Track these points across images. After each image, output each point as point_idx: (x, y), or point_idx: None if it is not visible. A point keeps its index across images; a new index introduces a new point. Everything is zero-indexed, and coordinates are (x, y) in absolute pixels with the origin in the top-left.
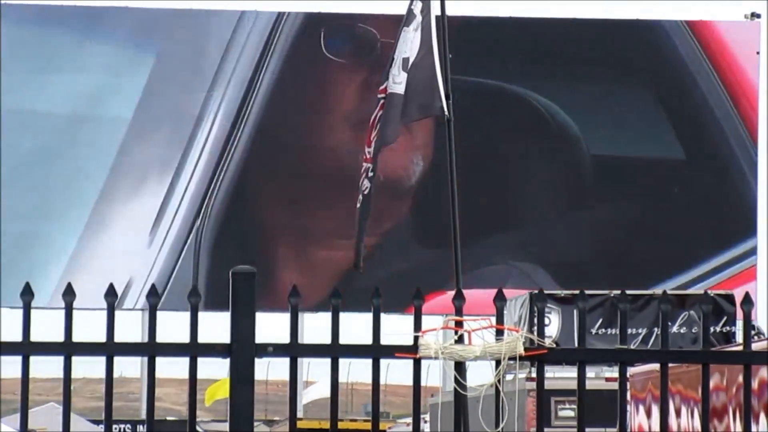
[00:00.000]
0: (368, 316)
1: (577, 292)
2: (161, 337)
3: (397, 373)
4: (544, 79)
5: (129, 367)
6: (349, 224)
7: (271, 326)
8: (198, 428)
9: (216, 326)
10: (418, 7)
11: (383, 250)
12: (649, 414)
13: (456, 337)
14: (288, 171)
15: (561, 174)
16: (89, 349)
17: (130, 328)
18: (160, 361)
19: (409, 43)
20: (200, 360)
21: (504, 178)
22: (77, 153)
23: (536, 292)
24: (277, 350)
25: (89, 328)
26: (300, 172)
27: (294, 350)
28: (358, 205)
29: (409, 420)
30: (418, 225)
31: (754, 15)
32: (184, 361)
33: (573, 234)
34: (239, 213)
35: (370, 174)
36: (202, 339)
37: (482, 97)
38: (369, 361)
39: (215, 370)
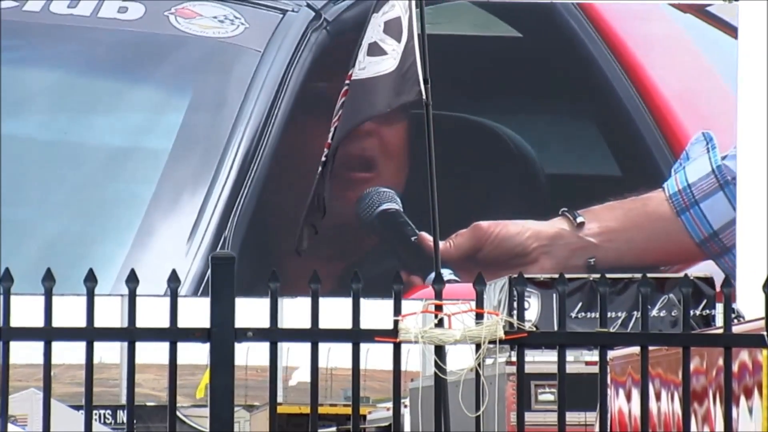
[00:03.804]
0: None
1: (556, 276)
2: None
3: (376, 357)
4: (506, 112)
5: (108, 353)
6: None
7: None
8: (178, 414)
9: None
10: None
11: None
12: (629, 398)
13: (436, 321)
14: (300, 189)
15: (522, 189)
16: (69, 334)
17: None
18: (140, 347)
19: (377, 28)
20: (184, 346)
21: (476, 194)
22: (125, 179)
23: (515, 276)
24: (257, 335)
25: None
26: (310, 190)
27: (273, 335)
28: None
29: (389, 405)
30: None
31: None
32: (163, 347)
33: None
34: (260, 225)
35: (323, 159)
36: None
37: (459, 128)
38: (349, 346)
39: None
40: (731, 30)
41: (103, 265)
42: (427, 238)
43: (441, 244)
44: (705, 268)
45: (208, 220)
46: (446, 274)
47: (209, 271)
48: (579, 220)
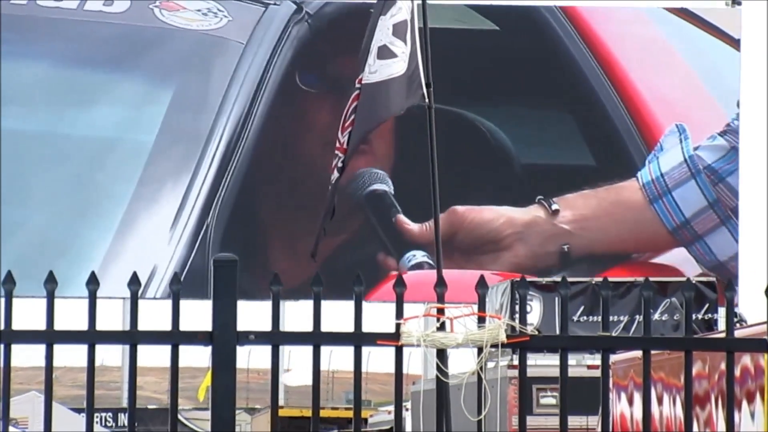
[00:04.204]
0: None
1: (558, 279)
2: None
3: (378, 360)
4: (485, 105)
5: (110, 356)
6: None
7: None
8: (179, 417)
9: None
10: None
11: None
12: (631, 401)
13: (438, 325)
14: (282, 178)
15: (499, 178)
16: (71, 337)
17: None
18: (141, 350)
19: (385, 31)
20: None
21: (455, 182)
22: (110, 169)
23: (518, 279)
24: (259, 338)
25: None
26: (292, 179)
27: (276, 338)
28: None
29: (391, 408)
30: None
31: (735, 2)
32: (165, 350)
33: None
34: (242, 213)
35: (340, 164)
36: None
37: (438, 119)
38: (350, 349)
39: (204, 359)
40: (706, 26)
41: (87, 254)
42: (404, 220)
43: (416, 227)
44: (677, 255)
45: (191, 209)
46: (419, 256)
47: (190, 260)
48: (554, 207)
